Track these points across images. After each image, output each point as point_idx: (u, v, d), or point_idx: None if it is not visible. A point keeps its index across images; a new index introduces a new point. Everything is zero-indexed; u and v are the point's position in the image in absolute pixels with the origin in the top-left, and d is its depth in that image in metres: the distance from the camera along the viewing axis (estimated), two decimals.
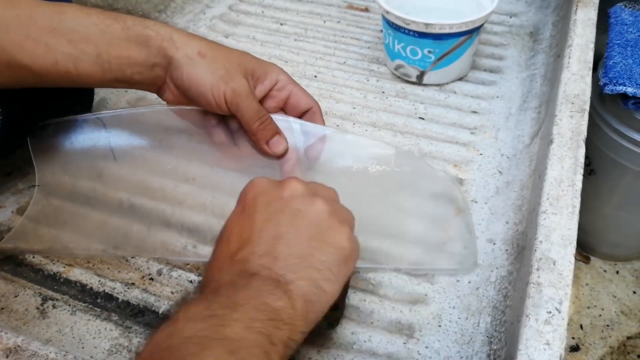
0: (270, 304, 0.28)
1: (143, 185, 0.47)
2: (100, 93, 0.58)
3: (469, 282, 0.42)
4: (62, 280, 0.42)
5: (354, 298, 0.41)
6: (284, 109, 0.47)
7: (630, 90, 0.56)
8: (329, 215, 0.33)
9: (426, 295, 0.41)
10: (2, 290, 0.41)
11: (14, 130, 0.44)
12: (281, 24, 0.72)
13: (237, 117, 0.43)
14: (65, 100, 0.47)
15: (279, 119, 0.46)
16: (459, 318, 0.40)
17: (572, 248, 0.33)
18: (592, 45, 0.51)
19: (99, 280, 0.42)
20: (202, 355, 0.24)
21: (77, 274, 0.43)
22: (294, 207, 0.33)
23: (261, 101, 0.46)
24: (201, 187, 0.47)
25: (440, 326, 0.39)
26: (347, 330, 0.39)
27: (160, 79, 0.43)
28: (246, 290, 0.28)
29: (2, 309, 0.40)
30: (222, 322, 0.26)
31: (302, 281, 0.30)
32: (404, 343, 0.38)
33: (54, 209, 0.45)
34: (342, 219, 0.34)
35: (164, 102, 0.46)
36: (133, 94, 0.59)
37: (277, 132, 0.45)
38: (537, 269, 0.32)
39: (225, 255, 0.32)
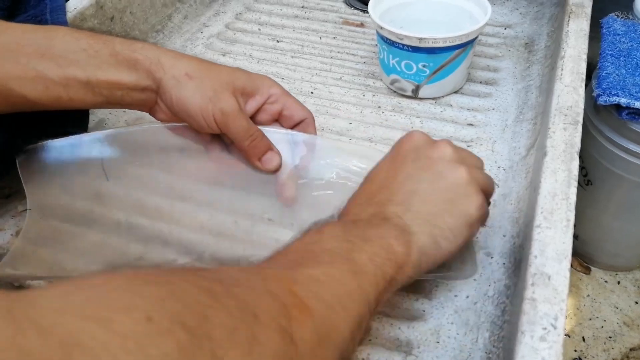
0: (392, 246, 0.32)
1: (140, 204, 0.47)
2: (98, 114, 0.58)
3: (467, 297, 0.42)
4: None
5: None
6: (278, 121, 0.48)
7: (623, 100, 0.56)
8: (467, 183, 0.36)
9: (424, 311, 0.41)
10: None
11: (9, 152, 0.44)
12: (277, 41, 0.73)
13: (229, 136, 0.44)
14: (61, 122, 0.47)
15: (270, 131, 0.46)
16: (457, 334, 0.40)
17: (567, 262, 0.33)
18: (584, 57, 0.51)
19: None
20: (333, 266, 0.30)
21: None
22: (438, 168, 0.37)
23: (255, 115, 0.46)
24: (198, 205, 0.47)
25: (438, 342, 0.39)
26: None
27: (152, 101, 0.43)
28: (377, 230, 0.33)
29: None
30: (353, 247, 0.32)
31: (424, 235, 0.34)
32: None
33: (50, 230, 0.45)
34: (479, 188, 0.37)
35: (158, 122, 0.46)
36: (132, 114, 0.59)
37: (269, 148, 0.45)
38: (532, 285, 0.32)
39: (367, 194, 0.37)
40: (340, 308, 0.28)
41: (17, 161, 0.45)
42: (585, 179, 0.68)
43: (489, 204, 0.40)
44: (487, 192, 0.39)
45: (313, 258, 0.31)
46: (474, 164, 0.39)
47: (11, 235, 0.48)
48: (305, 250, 0.32)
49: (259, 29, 0.75)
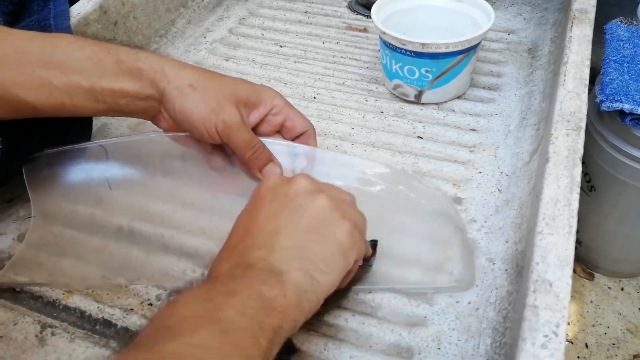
0: (263, 292, 0.30)
1: (141, 211, 0.47)
2: (101, 119, 0.59)
3: (469, 303, 0.42)
4: (61, 307, 0.42)
5: (352, 321, 0.41)
6: (280, 132, 0.48)
7: (627, 106, 0.56)
8: (329, 210, 0.35)
9: (425, 317, 0.41)
10: (2, 318, 0.42)
11: (13, 158, 0.44)
12: (281, 46, 0.73)
13: (230, 147, 0.44)
14: (65, 129, 0.47)
15: (271, 143, 0.46)
16: (459, 340, 0.39)
17: (569, 269, 0.33)
18: (587, 62, 0.51)
19: (98, 307, 0.42)
20: (196, 333, 0.27)
21: (76, 301, 0.43)
22: (297, 202, 0.36)
23: (257, 126, 0.46)
24: (199, 212, 0.47)
25: (439, 349, 0.39)
26: (345, 353, 0.39)
27: (154, 109, 0.44)
28: (242, 280, 0.31)
29: (1, 337, 0.40)
30: (217, 306, 0.28)
31: (296, 272, 0.32)
32: None
33: (52, 236, 0.45)
34: (344, 215, 0.36)
35: (161, 130, 0.46)
36: (134, 120, 0.59)
37: (270, 159, 0.45)
38: (534, 291, 0.32)
39: (229, 246, 0.35)
40: None
41: (23, 169, 0.45)
42: (589, 185, 0.68)
43: (373, 247, 0.39)
44: (356, 223, 0.37)
45: (168, 331, 0.27)
46: (339, 196, 0.38)
47: (13, 239, 0.48)
48: (161, 327, 0.28)
49: (262, 34, 0.75)
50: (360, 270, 0.41)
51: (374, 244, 0.41)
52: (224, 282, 0.31)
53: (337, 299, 0.41)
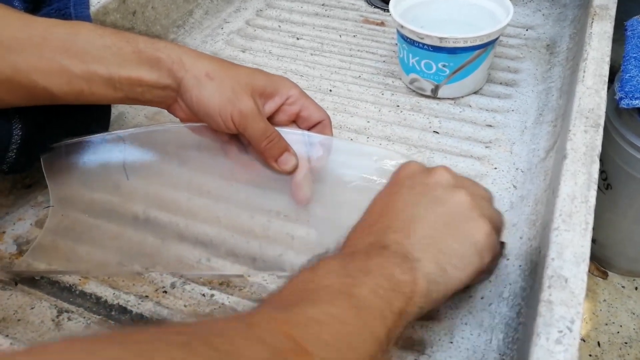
0: (395, 275, 0.30)
1: (157, 199, 0.47)
2: (118, 107, 0.59)
3: (482, 298, 0.42)
4: (77, 292, 0.43)
5: None
6: (295, 122, 0.48)
7: None
8: (469, 208, 0.35)
9: (438, 311, 0.41)
10: (19, 302, 0.42)
11: (32, 146, 0.45)
12: (297, 38, 0.73)
13: (246, 137, 0.44)
14: (84, 117, 0.48)
15: (287, 132, 0.46)
16: (471, 334, 0.40)
17: (585, 266, 0.33)
18: (607, 59, 0.50)
19: (114, 293, 0.43)
20: (332, 304, 0.28)
21: (92, 287, 0.43)
22: (435, 194, 0.35)
23: (272, 115, 0.46)
24: (215, 201, 0.47)
25: (452, 342, 0.39)
26: None
27: (171, 99, 0.44)
28: (377, 259, 0.31)
29: (19, 320, 0.41)
30: (353, 281, 0.29)
31: (429, 262, 0.32)
32: (415, 359, 0.38)
33: (69, 223, 0.46)
34: (483, 214, 0.35)
35: (177, 119, 0.46)
36: (151, 108, 0.60)
37: (286, 149, 0.45)
38: (549, 287, 0.32)
39: (365, 225, 0.35)
40: (346, 349, 0.26)
41: (41, 159, 0.46)
42: (605, 183, 0.67)
43: (501, 244, 0.38)
44: (495, 223, 0.36)
45: (309, 297, 0.28)
46: (479, 193, 0.37)
47: (31, 224, 0.48)
48: (300, 290, 0.29)
49: (279, 26, 0.75)
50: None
51: (502, 245, 0.39)
52: (361, 259, 0.31)
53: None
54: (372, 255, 0.32)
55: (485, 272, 0.37)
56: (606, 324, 0.74)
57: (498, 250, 0.37)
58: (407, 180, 0.37)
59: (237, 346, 0.22)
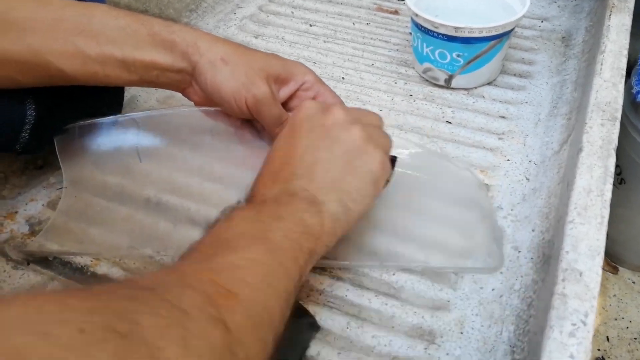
0: (304, 220, 0.33)
1: (170, 183, 0.47)
2: (130, 90, 0.59)
3: (493, 290, 0.42)
4: (89, 273, 0.43)
5: (375, 301, 0.41)
6: None
7: None
8: (364, 142, 0.37)
9: (448, 301, 0.41)
10: (31, 282, 0.42)
11: (45, 127, 0.45)
12: (310, 25, 0.72)
13: (260, 122, 0.44)
14: (96, 99, 0.48)
15: None
16: (482, 326, 0.39)
17: (599, 259, 0.33)
18: (625, 52, 0.50)
19: (125, 275, 0.43)
20: (250, 249, 0.30)
21: (103, 268, 0.43)
22: (333, 134, 0.37)
23: (287, 101, 0.46)
24: (227, 186, 0.47)
25: (462, 333, 0.39)
26: (367, 333, 0.39)
27: (186, 82, 0.44)
28: (287, 207, 0.34)
29: None
30: (266, 227, 0.32)
31: (332, 202, 0.35)
32: (425, 349, 0.38)
33: (82, 205, 0.46)
34: (377, 144, 0.38)
35: (191, 102, 0.46)
36: (164, 92, 0.60)
37: None
38: (563, 280, 0.32)
39: (271, 173, 0.37)
40: (265, 287, 0.29)
41: (55, 141, 0.46)
42: (619, 178, 0.67)
43: (393, 160, 0.40)
44: (385, 148, 0.39)
45: (227, 246, 0.31)
46: (370, 122, 0.40)
47: (43, 205, 0.49)
48: (218, 240, 0.31)
49: (292, 12, 0.75)
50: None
51: (393, 160, 0.41)
52: (272, 207, 0.34)
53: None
54: (281, 202, 0.34)
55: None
56: (615, 319, 0.73)
57: (390, 171, 0.40)
58: (304, 123, 0.39)
59: (175, 294, 0.25)
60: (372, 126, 0.39)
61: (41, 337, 0.19)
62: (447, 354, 0.38)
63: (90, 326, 0.20)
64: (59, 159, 0.46)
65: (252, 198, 0.37)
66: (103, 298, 0.23)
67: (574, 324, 0.29)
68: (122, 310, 0.22)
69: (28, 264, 0.44)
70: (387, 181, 0.40)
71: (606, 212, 0.36)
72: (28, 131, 0.43)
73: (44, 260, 0.44)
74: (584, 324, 0.29)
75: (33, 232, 0.46)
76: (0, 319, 0.20)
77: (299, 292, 0.36)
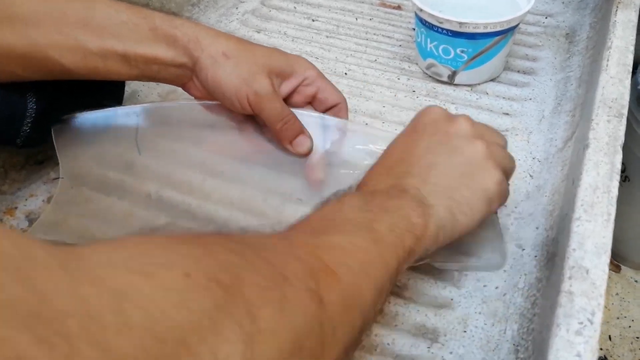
0: (410, 217, 0.33)
1: (170, 178, 0.47)
2: (131, 85, 0.58)
3: (496, 288, 0.41)
4: None
5: None
6: (311, 104, 0.47)
7: None
8: (484, 157, 0.36)
9: (452, 299, 0.41)
10: None
11: (46, 120, 0.44)
12: (313, 20, 0.72)
13: (261, 118, 0.44)
14: (97, 93, 0.47)
15: (303, 114, 0.45)
16: (485, 324, 0.39)
17: (606, 257, 0.32)
18: (632, 48, 0.49)
19: None
20: (355, 234, 0.31)
21: None
22: (455, 143, 0.37)
23: (289, 96, 0.46)
24: (229, 182, 0.47)
25: (465, 332, 0.39)
26: (370, 332, 0.39)
27: (187, 77, 0.43)
28: (396, 201, 0.34)
29: None
30: (374, 217, 0.32)
31: (441, 208, 0.34)
32: (428, 347, 0.38)
33: (81, 198, 0.46)
34: (497, 163, 0.37)
35: (192, 97, 0.46)
36: (165, 86, 0.59)
37: (301, 131, 0.45)
38: (569, 278, 0.31)
39: (386, 166, 0.37)
40: (364, 275, 0.29)
41: (52, 130, 0.45)
42: (623, 175, 0.66)
43: (508, 184, 0.39)
44: (506, 170, 0.38)
45: (335, 227, 0.31)
46: (495, 140, 0.39)
47: (43, 201, 0.48)
48: (327, 220, 0.32)
49: (295, 7, 0.74)
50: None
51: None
52: (381, 199, 0.34)
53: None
54: (391, 196, 0.34)
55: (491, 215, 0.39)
56: (618, 318, 0.73)
57: (507, 195, 0.39)
58: (428, 127, 0.38)
59: (280, 260, 0.25)
60: (496, 145, 0.38)
61: (146, 277, 0.20)
62: (451, 352, 0.38)
63: (195, 273, 0.21)
64: (56, 149, 0.46)
65: (362, 187, 0.37)
66: (210, 248, 0.24)
67: (581, 323, 0.29)
68: (228, 263, 0.23)
69: None
70: (503, 203, 0.39)
71: (613, 210, 0.35)
72: (29, 124, 0.43)
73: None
74: (591, 322, 0.29)
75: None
76: (108, 258, 0.20)
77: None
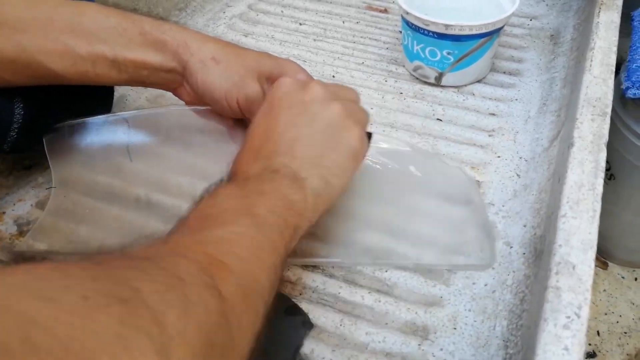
0: (287, 196, 0.33)
1: (160, 183, 0.47)
2: (119, 90, 0.58)
3: (485, 285, 0.42)
4: None
5: (368, 298, 0.41)
6: None
7: None
8: (343, 118, 0.37)
9: (441, 297, 0.41)
10: None
11: (34, 126, 0.44)
12: (300, 24, 0.72)
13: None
14: (86, 98, 0.47)
15: None
16: (475, 321, 0.39)
17: (592, 253, 0.33)
18: (614, 48, 0.50)
19: None
20: (237, 223, 0.30)
21: None
22: (312, 110, 0.37)
23: None
24: None
25: (455, 329, 0.39)
26: (361, 330, 0.39)
27: (176, 82, 0.44)
28: (270, 183, 0.34)
29: None
30: (252, 202, 0.32)
31: (314, 178, 0.35)
32: (419, 345, 0.38)
33: (71, 204, 0.46)
34: (355, 120, 0.38)
35: (181, 102, 0.46)
36: (153, 91, 0.59)
37: None
38: (556, 273, 0.32)
39: (252, 150, 0.37)
40: (255, 260, 0.29)
41: (44, 140, 0.45)
42: (608, 174, 0.67)
43: (368, 135, 0.40)
44: (363, 123, 0.39)
45: (214, 220, 0.31)
46: (348, 97, 0.40)
47: (31, 205, 0.48)
48: (205, 215, 0.32)
49: (282, 11, 0.74)
50: None
51: (369, 135, 0.41)
52: (255, 183, 0.34)
53: None
54: (264, 179, 0.34)
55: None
56: (606, 314, 0.74)
57: (368, 147, 0.40)
58: (284, 100, 0.38)
59: (170, 263, 0.25)
60: (350, 102, 0.40)
61: (47, 302, 0.19)
62: (441, 349, 0.38)
63: (93, 293, 0.21)
64: (48, 159, 0.46)
65: (234, 176, 0.37)
66: (103, 267, 0.23)
67: (568, 317, 0.30)
68: (122, 277, 0.23)
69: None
70: (364, 156, 0.40)
71: (598, 206, 0.36)
72: (16, 130, 0.43)
73: (33, 262, 0.43)
74: (578, 316, 0.30)
75: (21, 233, 0.46)
76: (7, 283, 0.20)
77: (284, 285, 0.37)
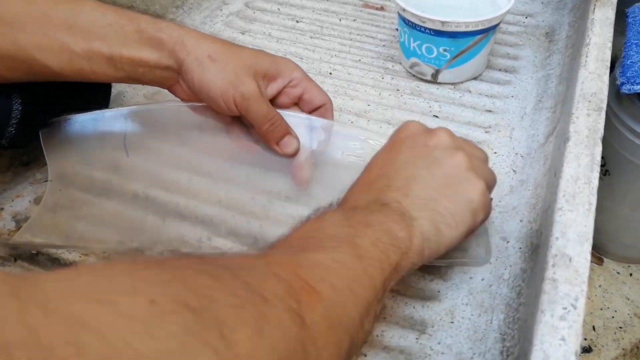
0: (394, 231, 0.32)
1: (158, 178, 0.47)
2: (117, 87, 0.58)
3: (482, 280, 0.42)
4: None
5: None
6: (297, 105, 0.48)
7: None
8: (466, 169, 0.36)
9: (439, 291, 0.41)
10: None
11: (32, 121, 0.44)
12: (297, 22, 0.72)
13: (248, 120, 0.44)
14: (83, 94, 0.48)
15: (289, 115, 0.46)
16: (472, 315, 0.40)
17: (588, 245, 0.33)
18: (609, 45, 0.51)
19: None
20: (337, 251, 0.29)
21: None
22: (435, 155, 0.36)
23: (275, 97, 0.46)
24: (216, 181, 0.47)
25: (452, 322, 0.39)
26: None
27: (173, 79, 0.44)
28: (378, 215, 0.33)
29: None
30: (356, 232, 0.31)
31: (424, 220, 0.33)
32: (417, 338, 0.38)
33: (69, 199, 0.46)
34: (479, 174, 0.36)
35: (178, 99, 0.46)
36: (150, 88, 0.59)
37: (287, 132, 0.45)
38: (553, 265, 0.32)
39: (366, 181, 0.37)
40: (348, 292, 0.28)
41: (40, 134, 0.45)
42: (603, 169, 0.67)
43: (491, 199, 0.39)
44: (488, 182, 0.38)
45: (316, 244, 0.30)
46: (475, 154, 0.39)
47: (29, 201, 0.48)
48: (308, 237, 0.31)
49: (279, 9, 0.75)
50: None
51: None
52: (363, 213, 0.33)
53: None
54: (373, 210, 0.33)
55: (475, 229, 0.38)
56: (601, 309, 0.74)
57: (490, 207, 0.38)
58: (407, 140, 0.38)
59: (257, 279, 0.24)
60: (476, 157, 0.38)
61: (106, 306, 0.19)
62: (439, 343, 0.38)
63: (162, 298, 0.20)
64: (45, 153, 0.46)
65: (344, 203, 0.36)
66: (178, 272, 0.22)
67: (565, 308, 0.30)
68: (197, 285, 0.22)
69: (15, 260, 0.43)
70: (486, 216, 0.38)
71: (594, 199, 0.36)
72: (14, 126, 0.43)
73: (31, 257, 0.44)
74: (575, 307, 0.30)
75: (20, 229, 0.46)
76: (64, 286, 0.19)
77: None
